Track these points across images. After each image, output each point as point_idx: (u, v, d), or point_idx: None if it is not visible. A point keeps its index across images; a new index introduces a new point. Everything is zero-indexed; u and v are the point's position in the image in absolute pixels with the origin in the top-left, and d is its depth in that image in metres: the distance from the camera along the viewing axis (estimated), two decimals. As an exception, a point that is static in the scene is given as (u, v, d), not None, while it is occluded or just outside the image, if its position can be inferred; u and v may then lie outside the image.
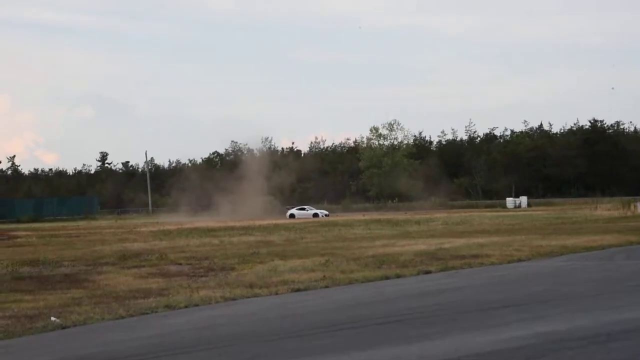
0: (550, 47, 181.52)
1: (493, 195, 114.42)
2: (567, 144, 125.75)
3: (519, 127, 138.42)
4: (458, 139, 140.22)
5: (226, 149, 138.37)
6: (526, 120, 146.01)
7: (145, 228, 62.29)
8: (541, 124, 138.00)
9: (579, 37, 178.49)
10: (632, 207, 65.92)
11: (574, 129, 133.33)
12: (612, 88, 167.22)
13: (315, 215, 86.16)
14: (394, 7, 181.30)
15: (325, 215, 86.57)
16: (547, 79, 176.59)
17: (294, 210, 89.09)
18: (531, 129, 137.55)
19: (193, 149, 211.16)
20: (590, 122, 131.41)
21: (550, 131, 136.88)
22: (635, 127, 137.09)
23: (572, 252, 27.21)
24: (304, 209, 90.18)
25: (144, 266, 26.59)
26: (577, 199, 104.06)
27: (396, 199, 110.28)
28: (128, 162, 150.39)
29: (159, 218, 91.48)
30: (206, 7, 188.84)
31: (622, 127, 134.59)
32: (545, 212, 73.93)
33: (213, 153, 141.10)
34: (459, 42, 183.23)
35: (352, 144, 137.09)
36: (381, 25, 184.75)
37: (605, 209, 69.73)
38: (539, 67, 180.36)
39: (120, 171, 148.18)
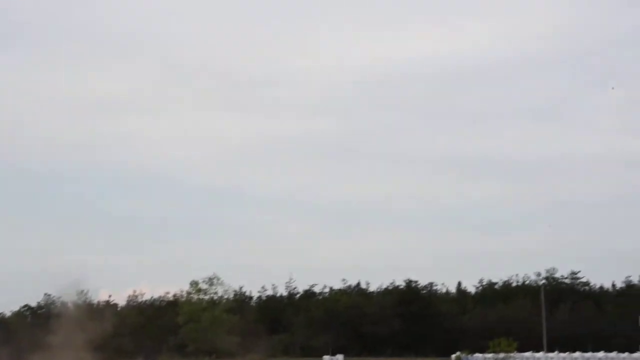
0: (367, 208, 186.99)
1: (311, 353, 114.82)
2: (383, 303, 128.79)
3: (338, 285, 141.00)
4: (278, 294, 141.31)
5: (38, 302, 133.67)
6: (345, 278, 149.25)
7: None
8: (359, 283, 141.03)
9: (393, 201, 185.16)
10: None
11: (390, 288, 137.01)
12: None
13: None
14: (215, 162, 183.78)
15: None
16: (365, 238, 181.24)
17: None
18: (349, 287, 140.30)
19: (2, 302, 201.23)
20: (405, 282, 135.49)
21: (368, 290, 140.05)
22: (447, 289, 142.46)
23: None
24: None
25: None
26: (392, 358, 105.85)
27: (214, 354, 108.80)
28: None
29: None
30: (21, 156, 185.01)
31: (435, 288, 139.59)
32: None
33: (24, 306, 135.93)
34: (281, 199, 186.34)
35: (172, 298, 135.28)
36: (205, 180, 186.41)
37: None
38: (358, 227, 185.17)
39: None
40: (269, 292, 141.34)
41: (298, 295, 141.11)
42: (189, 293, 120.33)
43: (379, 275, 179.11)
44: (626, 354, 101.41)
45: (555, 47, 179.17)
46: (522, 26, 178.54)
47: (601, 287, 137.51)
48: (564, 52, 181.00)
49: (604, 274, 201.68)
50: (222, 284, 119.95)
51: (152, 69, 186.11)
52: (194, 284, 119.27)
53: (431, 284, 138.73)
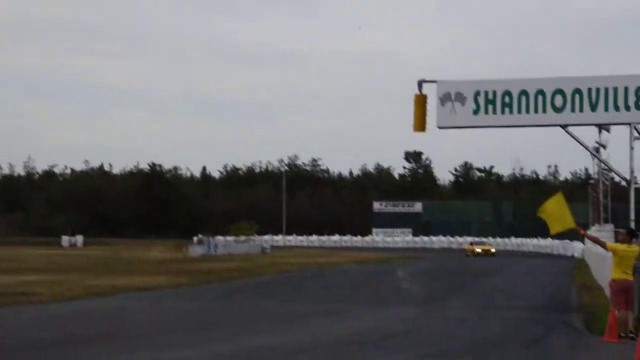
0: (113, 90, 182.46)
1: (50, 233, 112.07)
2: (126, 186, 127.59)
3: (80, 166, 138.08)
4: (15, 174, 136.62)
5: None
6: (87, 159, 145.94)
7: None
8: (102, 165, 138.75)
9: (139, 83, 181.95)
10: (184, 249, 68.09)
11: (134, 171, 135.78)
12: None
13: None
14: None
15: None
16: (109, 120, 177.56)
17: None
18: (92, 168, 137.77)
19: None
20: (149, 165, 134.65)
21: (111, 172, 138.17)
22: (191, 173, 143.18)
23: (124, 292, 27.45)
24: None
25: None
26: (134, 239, 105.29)
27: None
28: None
29: None
30: None
31: (179, 172, 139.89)
32: (101, 251, 73.84)
33: None
34: (20, 76, 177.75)
35: None
36: None
37: (158, 250, 71.24)
38: (103, 108, 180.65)
39: None
40: (5, 172, 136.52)
41: (37, 176, 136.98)
42: None
43: (122, 157, 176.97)
44: (358, 237, 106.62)
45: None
46: None
47: (339, 174, 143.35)
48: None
49: (342, 162, 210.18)
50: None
51: None
52: None
53: (175, 168, 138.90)
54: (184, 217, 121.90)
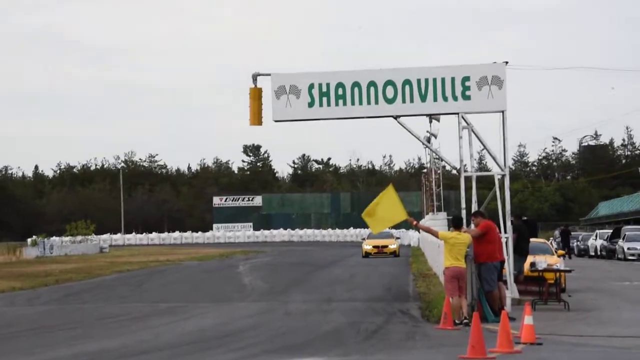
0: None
1: None
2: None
3: None
4: None
5: None
6: None
7: None
8: None
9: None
10: (17, 252, 65.74)
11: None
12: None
13: None
14: None
15: None
16: None
17: None
18: None
19: None
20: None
21: None
22: (23, 172, 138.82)
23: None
24: None
25: None
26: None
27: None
28: None
29: None
30: None
31: (10, 171, 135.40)
32: None
33: None
34: None
35: None
36: None
37: (-10, 254, 68.52)
38: None
39: None
40: None
41: None
42: None
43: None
44: (199, 233, 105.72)
45: None
46: None
47: (178, 170, 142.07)
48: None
49: (180, 157, 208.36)
50: None
51: None
52: None
53: (6, 168, 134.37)
54: (16, 218, 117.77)
